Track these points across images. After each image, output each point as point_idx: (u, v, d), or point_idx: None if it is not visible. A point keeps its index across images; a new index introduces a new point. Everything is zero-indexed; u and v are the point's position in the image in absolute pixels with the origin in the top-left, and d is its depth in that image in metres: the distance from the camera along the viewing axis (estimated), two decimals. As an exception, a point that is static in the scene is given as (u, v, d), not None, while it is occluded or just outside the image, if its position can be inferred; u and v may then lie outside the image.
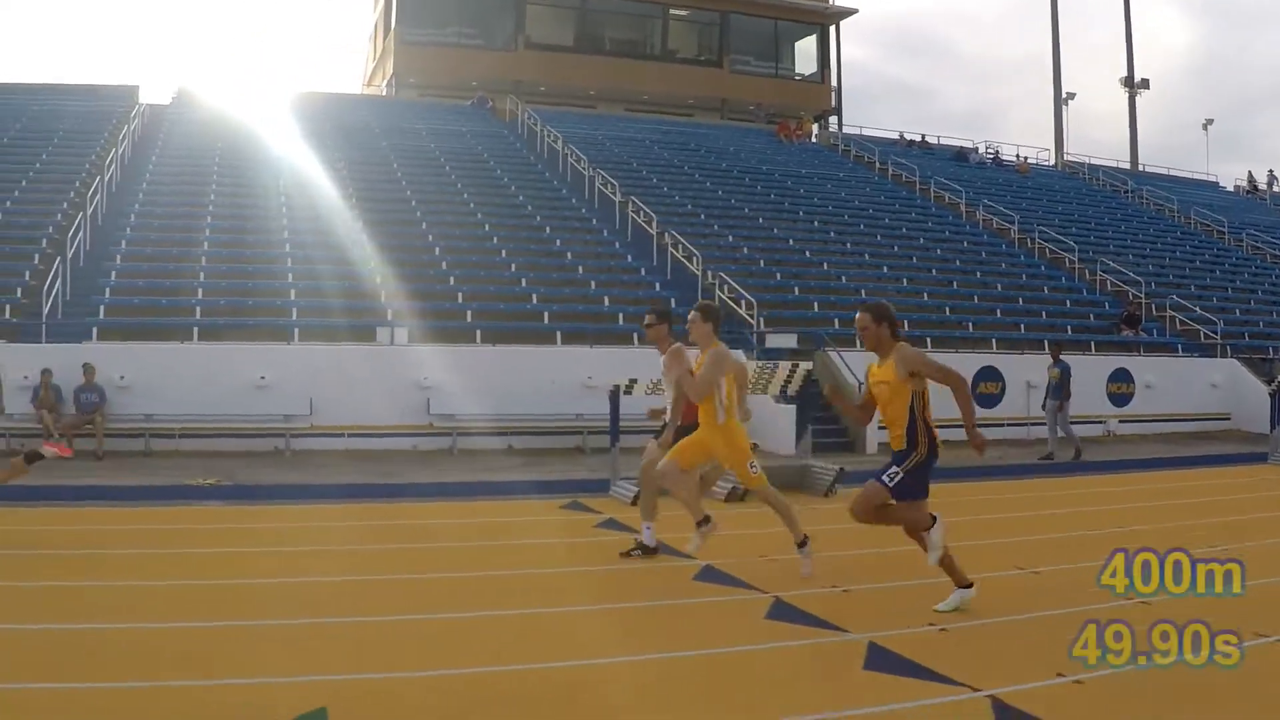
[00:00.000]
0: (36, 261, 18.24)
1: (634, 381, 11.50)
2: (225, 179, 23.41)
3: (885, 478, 5.91)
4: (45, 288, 16.73)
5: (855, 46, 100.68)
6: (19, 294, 17.12)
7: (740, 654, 5.41)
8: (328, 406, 15.51)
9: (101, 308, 17.03)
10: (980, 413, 19.31)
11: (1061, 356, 16.85)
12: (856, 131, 40.94)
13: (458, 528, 9.48)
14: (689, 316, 7.33)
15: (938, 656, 5.18)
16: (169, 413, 15.03)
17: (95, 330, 16.30)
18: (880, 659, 5.19)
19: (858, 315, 6.20)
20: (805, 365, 12.14)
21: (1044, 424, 16.90)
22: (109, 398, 14.94)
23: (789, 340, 18.16)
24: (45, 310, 16.30)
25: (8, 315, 16.33)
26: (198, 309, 17.26)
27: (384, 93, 39.44)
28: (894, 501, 5.96)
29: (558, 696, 4.75)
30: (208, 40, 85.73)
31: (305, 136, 26.56)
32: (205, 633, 5.71)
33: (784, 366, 11.99)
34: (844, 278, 23.08)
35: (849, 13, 45.43)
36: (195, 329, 16.56)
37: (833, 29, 45.18)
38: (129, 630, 5.68)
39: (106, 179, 21.68)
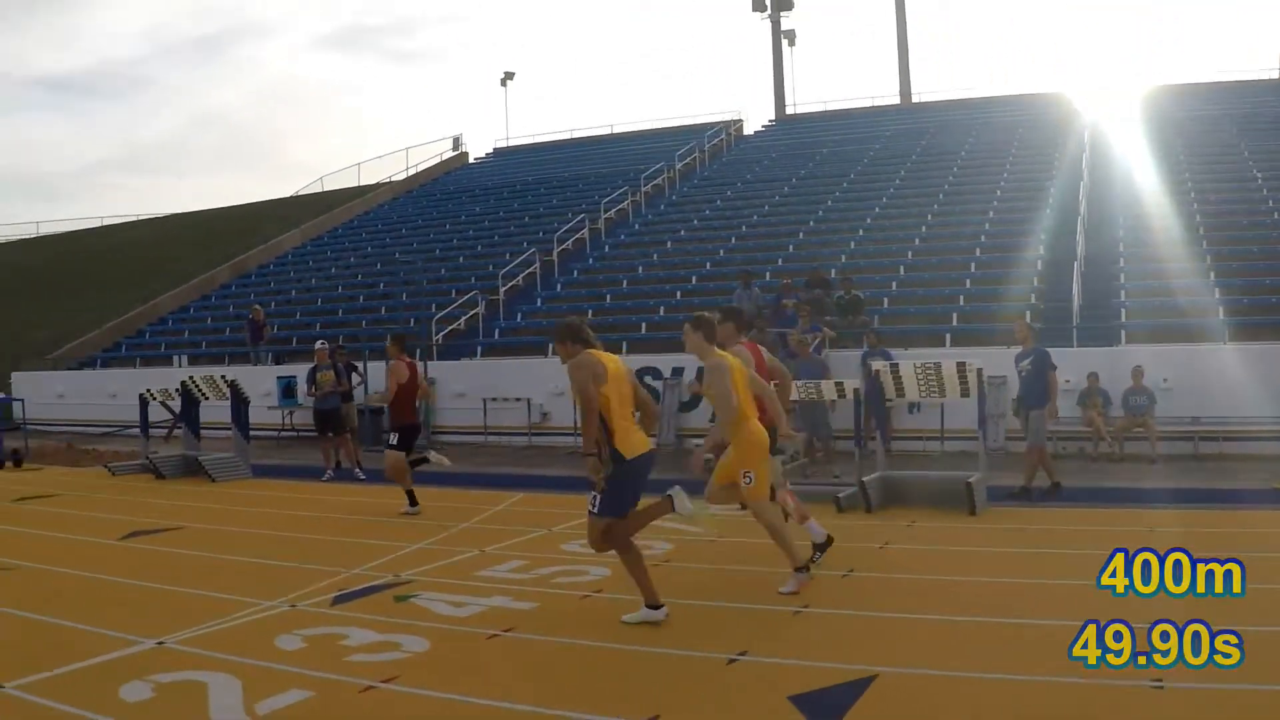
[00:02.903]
0: (1039, 266, 19.64)
1: None
2: (1195, 172, 23.00)
3: (590, 505, 6.09)
4: (1067, 291, 17.84)
5: None
6: (1033, 299, 18.40)
7: None
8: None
9: (1123, 311, 17.62)
10: None
11: None
12: None
13: None
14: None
15: None
16: (1215, 415, 14.81)
17: (1123, 334, 16.88)
18: None
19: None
20: None
21: None
22: (1156, 399, 15.14)
23: None
24: (1075, 314, 17.43)
25: (1030, 320, 17.69)
26: (1219, 309, 16.79)
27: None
28: (611, 520, 6.11)
29: None
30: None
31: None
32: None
33: None
34: None
35: None
36: (1226, 330, 16.13)
37: None
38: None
39: (1085, 183, 22.69)
